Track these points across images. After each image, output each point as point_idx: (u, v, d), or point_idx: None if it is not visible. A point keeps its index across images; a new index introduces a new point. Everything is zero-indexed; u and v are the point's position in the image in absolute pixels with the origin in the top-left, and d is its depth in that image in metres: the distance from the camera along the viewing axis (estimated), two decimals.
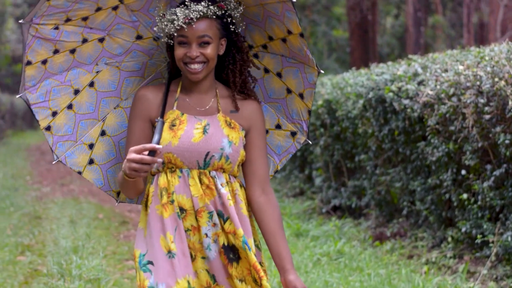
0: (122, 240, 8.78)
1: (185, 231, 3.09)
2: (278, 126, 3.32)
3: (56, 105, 3.25)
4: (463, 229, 6.55)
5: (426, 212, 7.34)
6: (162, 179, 3.11)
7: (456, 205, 6.83)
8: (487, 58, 6.35)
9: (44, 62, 3.20)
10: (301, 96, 3.23)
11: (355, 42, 19.59)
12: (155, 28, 3.15)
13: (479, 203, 6.35)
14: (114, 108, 3.34)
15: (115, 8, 3.19)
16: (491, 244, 6.24)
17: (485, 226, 6.27)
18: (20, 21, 3.13)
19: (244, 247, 3.07)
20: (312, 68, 3.16)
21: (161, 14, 3.12)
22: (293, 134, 3.31)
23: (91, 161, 3.34)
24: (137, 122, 3.17)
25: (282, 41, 3.15)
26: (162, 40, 3.16)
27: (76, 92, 3.27)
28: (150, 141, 3.14)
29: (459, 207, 6.80)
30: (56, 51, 3.20)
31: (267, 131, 3.32)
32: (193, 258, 3.10)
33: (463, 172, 6.59)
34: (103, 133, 3.34)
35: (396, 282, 6.29)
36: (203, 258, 3.11)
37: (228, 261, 3.11)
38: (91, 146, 3.33)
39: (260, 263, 3.15)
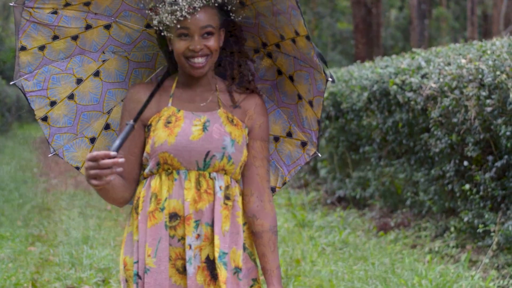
0: None
1: (179, 240, 2.77)
2: (289, 134, 3.01)
3: (55, 94, 2.97)
4: (465, 219, 6.62)
5: (429, 202, 7.41)
6: (154, 183, 2.80)
7: (459, 196, 6.90)
8: (489, 52, 6.41)
9: (41, 48, 2.92)
10: (310, 103, 2.89)
11: (360, 35, 19.63)
12: (154, 22, 2.81)
13: (481, 193, 6.43)
14: (121, 101, 3.03)
15: None
16: (492, 234, 6.30)
17: (486, 216, 6.33)
18: (10, 4, 2.83)
19: (219, 261, 2.76)
20: (320, 75, 2.81)
21: (152, 7, 2.83)
22: (303, 144, 2.99)
23: None
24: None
25: (292, 41, 2.84)
26: (162, 33, 2.84)
27: (79, 81, 2.99)
28: (142, 144, 2.87)
29: (461, 197, 6.87)
30: (55, 37, 2.92)
31: (278, 138, 3.03)
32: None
33: (466, 163, 6.65)
34: (107, 126, 3.05)
35: (399, 271, 6.35)
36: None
37: (210, 278, 2.77)
38: (92, 140, 3.04)
39: (256, 280, 2.87)
